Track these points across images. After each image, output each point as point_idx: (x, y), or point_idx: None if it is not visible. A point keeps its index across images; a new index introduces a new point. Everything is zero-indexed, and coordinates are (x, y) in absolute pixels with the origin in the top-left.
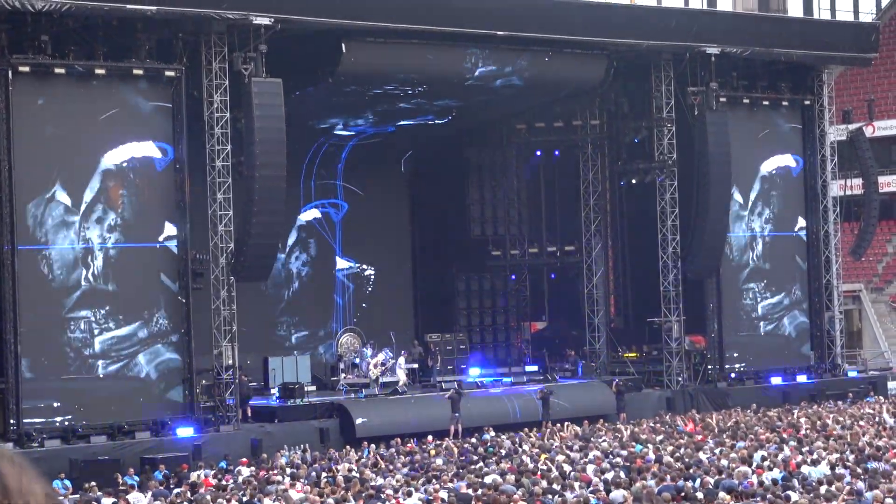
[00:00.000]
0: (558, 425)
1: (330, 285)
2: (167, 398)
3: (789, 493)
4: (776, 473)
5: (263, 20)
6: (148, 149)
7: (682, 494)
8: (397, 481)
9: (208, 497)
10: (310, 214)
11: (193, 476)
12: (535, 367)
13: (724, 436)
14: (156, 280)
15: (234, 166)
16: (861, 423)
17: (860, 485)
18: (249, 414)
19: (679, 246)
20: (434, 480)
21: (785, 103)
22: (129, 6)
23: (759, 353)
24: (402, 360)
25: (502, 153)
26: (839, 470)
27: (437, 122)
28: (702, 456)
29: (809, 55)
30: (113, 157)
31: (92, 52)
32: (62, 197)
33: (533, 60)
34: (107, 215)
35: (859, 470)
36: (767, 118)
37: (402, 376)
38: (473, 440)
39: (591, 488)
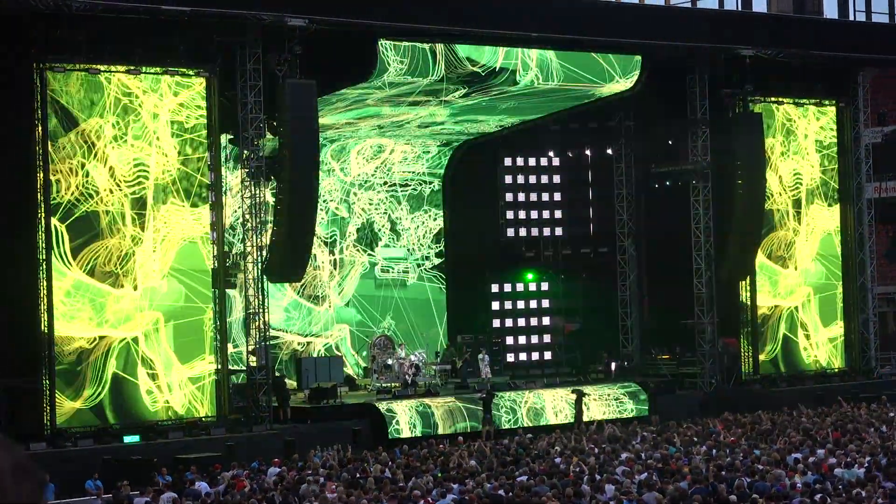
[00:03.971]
0: (591, 427)
1: None
2: (201, 398)
3: (822, 495)
4: (809, 476)
5: (298, 21)
6: (184, 150)
7: (715, 497)
8: (429, 482)
9: (240, 497)
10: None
11: (226, 476)
12: (567, 369)
13: (758, 438)
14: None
15: (267, 166)
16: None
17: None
18: (288, 415)
19: (713, 248)
20: (466, 482)
21: (820, 105)
22: (164, 7)
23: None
24: (482, 355)
25: (536, 154)
26: (873, 472)
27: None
28: (734, 458)
29: (844, 57)
30: (151, 165)
31: (127, 53)
32: (101, 199)
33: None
34: (145, 215)
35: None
36: (802, 120)
37: (485, 369)
38: (506, 441)
39: (623, 490)
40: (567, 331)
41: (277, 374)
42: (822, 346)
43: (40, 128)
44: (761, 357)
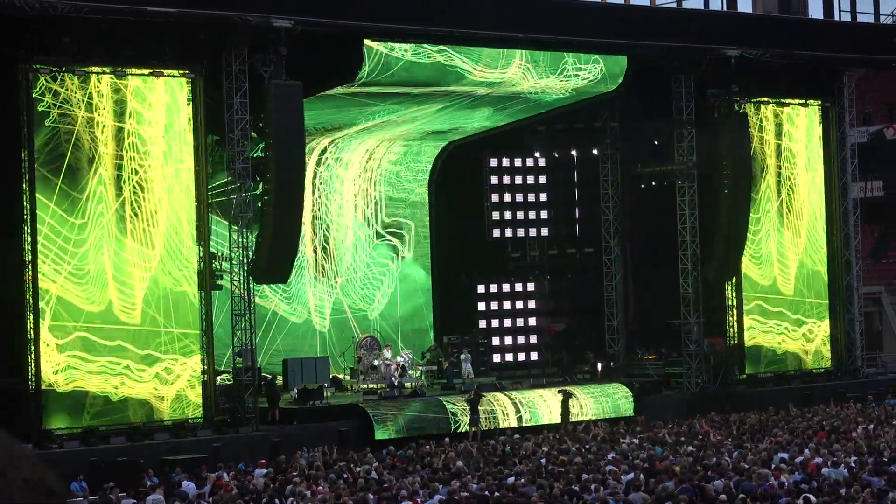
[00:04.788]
0: (579, 427)
1: None
2: (188, 399)
3: (808, 495)
4: (796, 476)
5: (283, 22)
6: (169, 152)
7: (702, 497)
8: (416, 483)
9: (227, 498)
10: None
11: (211, 477)
12: (554, 370)
13: (744, 438)
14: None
15: (253, 168)
16: (881, 425)
17: (880, 486)
18: (278, 417)
19: (699, 248)
20: (453, 482)
21: (805, 106)
22: (150, 8)
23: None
24: (464, 355)
25: (522, 155)
26: (859, 472)
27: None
28: (721, 458)
29: (830, 57)
30: (135, 165)
31: (113, 55)
32: (88, 199)
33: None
34: (132, 218)
35: (879, 472)
36: (788, 120)
37: (468, 369)
38: (492, 442)
39: (609, 490)
40: (553, 331)
41: (269, 375)
42: (808, 345)
43: (27, 130)
44: (747, 357)
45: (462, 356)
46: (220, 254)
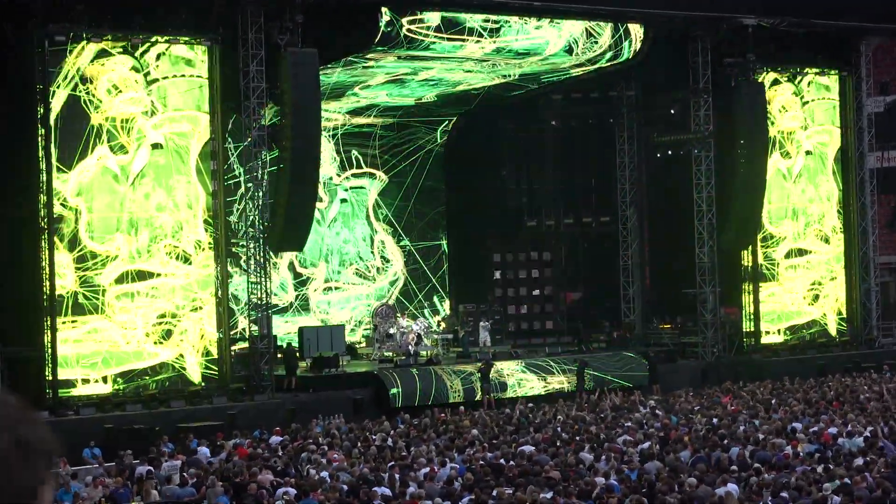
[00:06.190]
0: (593, 396)
1: None
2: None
3: (825, 464)
4: (811, 446)
5: None
6: (184, 118)
7: (717, 466)
8: (431, 451)
9: (243, 465)
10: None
11: (228, 445)
12: (569, 338)
13: (759, 408)
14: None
15: (269, 136)
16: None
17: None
18: (294, 385)
19: (715, 217)
20: (467, 450)
21: (822, 75)
22: None
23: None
24: (484, 323)
25: (538, 123)
26: (875, 441)
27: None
28: (736, 428)
29: (847, 26)
30: (149, 128)
31: (129, 22)
32: (109, 163)
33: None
34: (144, 185)
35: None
36: (805, 89)
37: (486, 337)
38: (508, 410)
39: (624, 459)
40: (569, 300)
41: (287, 344)
42: (824, 315)
43: (41, 96)
44: (763, 326)
45: (482, 324)
46: (236, 221)
